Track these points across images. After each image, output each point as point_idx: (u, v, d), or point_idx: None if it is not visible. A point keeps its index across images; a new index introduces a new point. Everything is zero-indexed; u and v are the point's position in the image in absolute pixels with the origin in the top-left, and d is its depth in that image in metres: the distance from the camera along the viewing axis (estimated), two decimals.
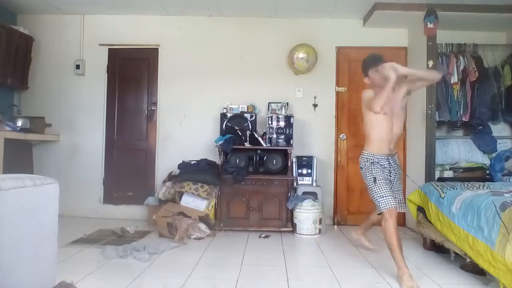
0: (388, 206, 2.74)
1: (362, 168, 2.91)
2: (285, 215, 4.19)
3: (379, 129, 2.86)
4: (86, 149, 4.87)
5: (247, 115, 4.49)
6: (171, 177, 4.46)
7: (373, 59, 2.93)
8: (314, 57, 4.61)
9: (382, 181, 2.80)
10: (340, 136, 4.80)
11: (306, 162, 4.47)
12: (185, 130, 4.82)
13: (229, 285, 2.55)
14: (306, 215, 4.06)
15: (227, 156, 4.35)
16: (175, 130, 4.83)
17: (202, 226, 3.87)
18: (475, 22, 4.35)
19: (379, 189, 2.78)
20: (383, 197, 2.76)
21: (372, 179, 2.81)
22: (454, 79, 4.26)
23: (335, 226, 4.69)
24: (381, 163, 2.85)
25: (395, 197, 2.85)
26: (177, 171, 4.35)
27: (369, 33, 4.78)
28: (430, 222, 3.29)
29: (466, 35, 4.50)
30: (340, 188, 4.79)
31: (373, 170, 2.83)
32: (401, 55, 4.80)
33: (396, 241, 2.70)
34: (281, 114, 4.42)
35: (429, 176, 4.00)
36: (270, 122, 4.37)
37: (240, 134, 4.36)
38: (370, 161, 2.86)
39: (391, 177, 2.89)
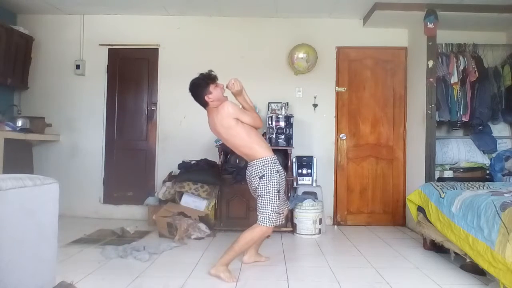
0: (274, 224, 2.76)
1: (264, 176, 2.71)
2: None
3: (257, 133, 2.82)
4: (86, 149, 4.87)
5: None
6: (171, 177, 4.46)
7: (211, 75, 2.83)
8: (314, 57, 4.61)
9: (282, 195, 2.80)
10: (340, 136, 4.80)
11: (306, 162, 4.47)
12: (185, 130, 4.81)
13: (229, 285, 2.55)
14: (306, 215, 4.06)
15: (227, 156, 4.35)
16: (175, 130, 4.83)
17: (202, 226, 3.87)
18: (475, 22, 4.35)
19: (278, 204, 2.74)
20: (277, 213, 2.74)
21: (276, 191, 2.71)
22: (454, 79, 4.26)
23: (335, 226, 4.69)
24: (282, 173, 2.80)
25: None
26: (177, 171, 4.35)
27: (369, 33, 4.78)
28: (430, 222, 3.29)
29: (466, 35, 4.50)
30: (340, 188, 4.79)
31: (279, 179, 2.73)
32: (401, 55, 4.81)
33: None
34: (281, 114, 4.41)
35: (429, 176, 4.00)
36: (270, 122, 4.37)
37: None
38: (275, 168, 2.75)
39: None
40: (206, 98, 2.77)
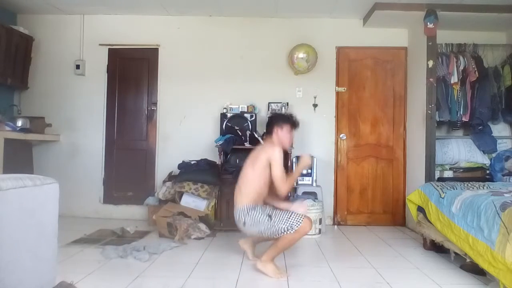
0: (301, 220, 2.69)
1: (245, 223, 2.77)
2: None
3: (265, 184, 2.86)
4: (86, 149, 4.87)
5: (247, 115, 4.49)
6: (171, 177, 4.46)
7: (296, 121, 3.00)
8: (314, 57, 4.61)
9: (276, 210, 2.78)
10: (340, 136, 4.80)
11: None
12: (185, 130, 4.82)
13: (229, 285, 2.55)
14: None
15: (227, 156, 4.35)
16: (175, 130, 4.83)
17: (202, 226, 3.87)
18: (475, 22, 4.35)
19: (281, 217, 2.72)
20: (290, 217, 2.71)
21: (267, 216, 2.73)
22: (454, 79, 4.26)
23: (335, 226, 4.69)
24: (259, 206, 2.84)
25: None
26: (177, 171, 4.35)
27: (369, 33, 4.78)
28: (430, 222, 3.29)
29: (466, 35, 4.50)
30: (340, 188, 4.79)
31: (260, 210, 2.77)
32: (401, 55, 4.81)
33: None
34: None
35: (429, 176, 4.01)
36: None
37: (240, 134, 4.36)
38: (252, 207, 2.79)
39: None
40: (275, 129, 2.93)
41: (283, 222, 2.69)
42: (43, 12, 4.84)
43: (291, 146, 2.93)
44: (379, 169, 4.80)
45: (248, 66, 4.81)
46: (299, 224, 2.67)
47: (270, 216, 2.73)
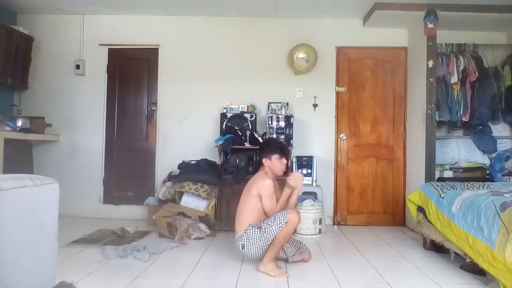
0: (285, 213, 2.76)
1: (244, 245, 2.83)
2: None
3: (258, 212, 2.92)
4: (86, 149, 4.87)
5: (247, 115, 4.49)
6: (171, 177, 4.46)
7: (284, 148, 3.03)
8: (314, 57, 4.61)
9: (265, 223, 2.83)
10: (340, 136, 4.80)
11: (306, 162, 4.47)
12: (185, 130, 4.82)
13: (229, 285, 2.55)
14: (306, 215, 4.05)
15: (227, 156, 4.35)
16: (175, 130, 4.83)
17: (202, 226, 3.87)
18: (475, 22, 4.36)
19: (269, 220, 2.80)
20: (276, 215, 2.79)
21: (257, 229, 2.81)
22: (454, 79, 4.26)
23: (335, 226, 4.69)
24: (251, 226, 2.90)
25: None
26: (177, 171, 4.35)
27: (369, 33, 4.78)
28: (430, 222, 3.29)
29: (466, 35, 4.50)
30: (340, 188, 4.79)
31: (251, 227, 2.84)
32: (401, 55, 4.81)
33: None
34: (281, 114, 4.41)
35: (429, 176, 4.00)
36: (270, 122, 4.37)
37: (240, 134, 4.36)
38: (245, 230, 2.87)
39: None
40: (263, 160, 2.97)
41: (271, 224, 2.76)
42: (43, 12, 4.84)
43: (285, 172, 2.99)
44: (379, 169, 4.80)
45: (248, 66, 4.81)
46: (285, 218, 2.73)
47: (260, 227, 2.81)
